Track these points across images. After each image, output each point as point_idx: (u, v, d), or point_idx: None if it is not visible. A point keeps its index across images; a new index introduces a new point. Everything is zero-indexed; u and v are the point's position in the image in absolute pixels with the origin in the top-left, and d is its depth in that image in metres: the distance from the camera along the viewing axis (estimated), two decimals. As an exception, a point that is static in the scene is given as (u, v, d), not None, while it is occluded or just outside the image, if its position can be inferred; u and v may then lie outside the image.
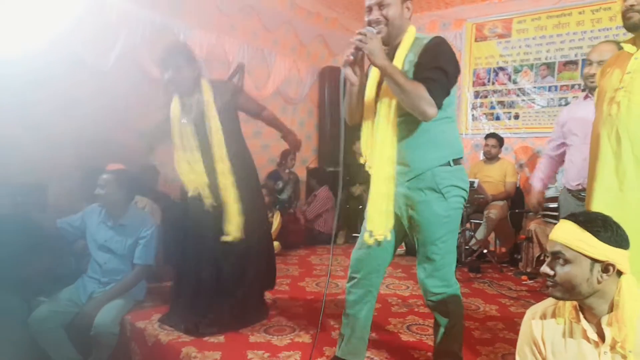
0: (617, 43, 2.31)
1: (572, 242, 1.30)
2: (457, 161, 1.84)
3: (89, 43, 3.43)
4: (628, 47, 1.66)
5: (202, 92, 2.50)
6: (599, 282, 1.30)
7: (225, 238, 2.45)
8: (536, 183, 2.81)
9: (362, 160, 1.94)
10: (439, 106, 1.70)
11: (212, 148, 2.47)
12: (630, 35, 1.69)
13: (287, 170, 5.18)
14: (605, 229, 1.30)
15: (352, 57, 1.73)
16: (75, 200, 3.22)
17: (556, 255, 1.33)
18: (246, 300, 2.63)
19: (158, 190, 4.00)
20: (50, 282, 2.75)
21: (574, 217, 1.35)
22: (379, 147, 1.81)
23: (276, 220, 4.69)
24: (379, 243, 1.85)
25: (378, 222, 1.82)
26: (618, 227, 1.32)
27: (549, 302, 1.47)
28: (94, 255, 2.73)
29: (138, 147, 3.80)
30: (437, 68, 1.70)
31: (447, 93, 1.73)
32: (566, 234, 1.32)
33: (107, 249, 2.72)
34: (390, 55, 1.80)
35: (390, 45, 1.84)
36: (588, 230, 1.29)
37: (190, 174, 2.48)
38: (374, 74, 1.89)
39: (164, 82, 2.45)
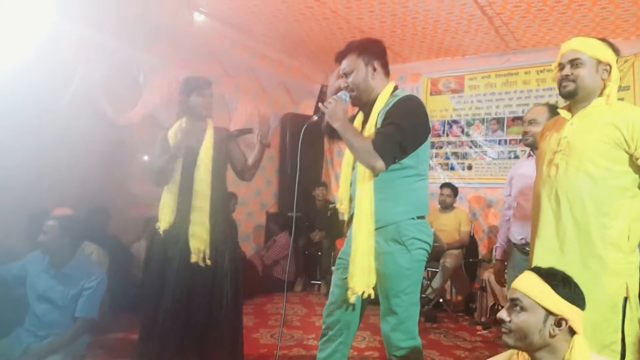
0: (550, 105, 2.50)
1: (531, 291, 1.35)
2: (421, 217, 1.88)
3: (44, 79, 3.34)
4: (564, 114, 1.79)
5: (208, 127, 2.56)
6: (551, 336, 1.33)
7: (193, 257, 2.40)
8: (497, 253, 2.88)
9: (340, 209, 2.01)
10: (389, 160, 1.74)
11: (194, 183, 2.45)
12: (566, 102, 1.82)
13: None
14: (564, 285, 1.36)
15: (315, 118, 1.94)
16: (18, 245, 3.05)
17: (514, 302, 1.37)
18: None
19: (108, 234, 3.85)
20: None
21: (537, 270, 1.42)
22: (358, 202, 1.85)
23: (233, 267, 4.57)
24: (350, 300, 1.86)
25: (360, 279, 1.81)
26: (577, 286, 1.38)
27: (502, 357, 1.49)
28: (32, 305, 2.55)
29: (88, 189, 3.70)
30: (392, 123, 1.77)
31: (401, 147, 1.76)
32: (526, 283, 1.37)
33: (46, 300, 2.54)
34: (367, 113, 1.92)
35: (367, 105, 1.94)
36: (547, 283, 1.35)
37: (165, 207, 2.46)
38: (356, 123, 2.00)
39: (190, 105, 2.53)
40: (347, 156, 1.97)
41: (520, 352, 1.42)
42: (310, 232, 5.30)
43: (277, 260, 5.16)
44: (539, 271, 1.40)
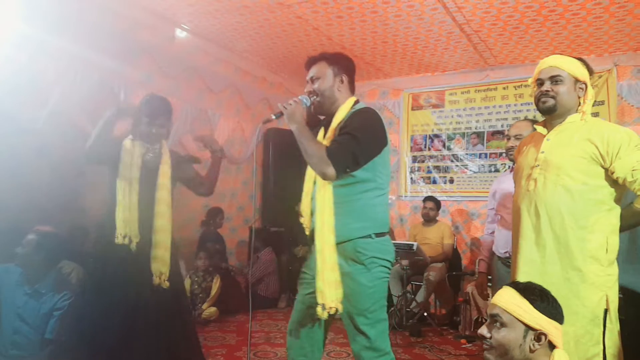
0: (532, 121, 2.54)
1: (509, 307, 1.36)
2: (381, 234, 1.85)
3: (20, 96, 3.28)
4: (540, 129, 1.83)
5: (162, 148, 2.51)
6: (531, 351, 1.34)
7: (155, 279, 2.34)
8: (480, 266, 2.89)
9: (302, 221, 1.97)
10: (341, 168, 1.74)
11: (155, 203, 2.41)
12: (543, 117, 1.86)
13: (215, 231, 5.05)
14: (542, 299, 1.38)
15: (272, 117, 1.92)
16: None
17: (494, 318, 1.38)
18: None
19: (85, 252, 3.76)
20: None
21: (515, 285, 1.43)
22: (318, 216, 1.82)
23: (215, 285, 4.51)
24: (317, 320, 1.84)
25: (330, 294, 1.78)
26: (555, 300, 1.40)
27: None
28: (5, 323, 2.47)
29: (67, 207, 3.62)
30: (347, 133, 1.78)
31: (354, 157, 1.75)
32: (505, 298, 1.38)
33: (19, 317, 2.48)
34: (327, 125, 1.92)
35: (327, 114, 1.95)
36: (526, 298, 1.37)
37: (127, 222, 2.36)
38: (319, 137, 1.97)
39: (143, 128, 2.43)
40: (309, 169, 1.93)
41: None
42: (294, 247, 5.27)
43: (261, 278, 5.11)
44: (517, 286, 1.42)
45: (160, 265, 2.37)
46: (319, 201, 1.83)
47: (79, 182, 3.78)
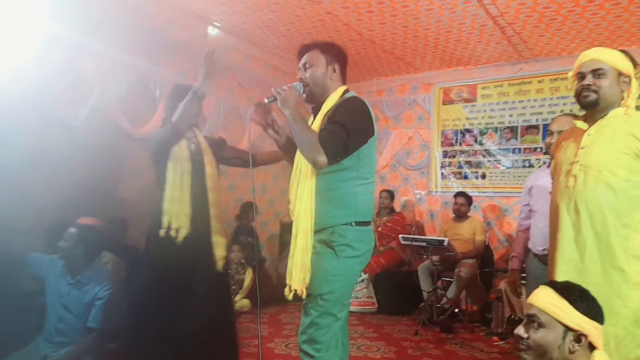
0: (574, 116, 2.47)
1: (548, 307, 1.33)
2: (362, 223, 1.83)
3: (62, 95, 3.41)
4: (581, 124, 1.78)
5: (198, 136, 2.57)
6: (570, 352, 1.31)
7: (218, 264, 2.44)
8: (513, 263, 2.84)
9: (289, 208, 1.98)
10: (332, 156, 1.75)
11: (208, 192, 2.48)
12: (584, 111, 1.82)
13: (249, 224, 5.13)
14: (582, 299, 1.34)
15: (265, 101, 1.90)
16: (40, 253, 3.10)
17: (531, 318, 1.35)
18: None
19: (125, 244, 3.90)
20: (4, 344, 2.59)
21: (553, 284, 1.39)
22: (298, 201, 1.86)
23: (248, 277, 4.60)
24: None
25: (297, 276, 1.82)
26: (594, 300, 1.37)
27: None
28: (51, 311, 2.60)
29: (106, 200, 3.75)
30: (336, 122, 1.78)
31: (345, 146, 1.75)
32: (543, 298, 1.35)
33: (63, 306, 2.59)
34: (317, 111, 1.94)
35: (318, 102, 1.96)
36: (565, 298, 1.33)
37: (176, 214, 2.40)
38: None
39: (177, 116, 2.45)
40: (298, 156, 1.93)
41: None
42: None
43: (291, 270, 5.16)
44: (555, 286, 1.38)
45: (221, 250, 2.49)
46: (300, 188, 1.87)
47: (117, 176, 3.92)
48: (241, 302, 4.46)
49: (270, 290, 4.87)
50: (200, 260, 2.45)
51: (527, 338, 1.35)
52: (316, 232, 1.84)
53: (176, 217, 2.38)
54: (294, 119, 1.78)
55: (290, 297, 1.84)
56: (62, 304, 2.58)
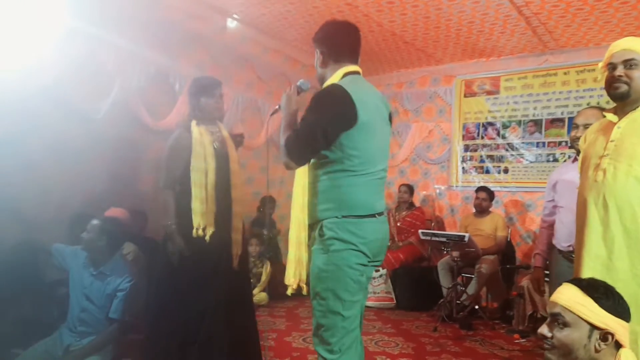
0: (601, 109, 2.38)
1: (573, 305, 1.29)
2: (353, 217, 1.73)
3: (82, 88, 3.46)
4: (610, 117, 1.71)
5: (222, 131, 2.57)
6: (596, 351, 1.27)
7: (235, 262, 2.48)
8: (536, 260, 2.76)
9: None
10: (297, 160, 1.74)
11: (232, 189, 2.49)
12: (613, 104, 1.74)
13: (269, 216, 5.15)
14: (607, 297, 1.30)
15: (277, 107, 1.96)
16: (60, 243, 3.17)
17: (555, 317, 1.31)
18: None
19: (146, 236, 3.95)
20: (28, 332, 2.65)
21: (577, 282, 1.35)
22: (294, 192, 1.87)
23: (265, 271, 4.61)
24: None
25: (290, 271, 1.84)
26: (620, 297, 1.32)
27: None
28: (74, 301, 2.64)
29: (126, 193, 3.81)
30: (301, 120, 1.74)
31: (310, 145, 1.70)
32: (567, 296, 1.31)
33: (86, 297, 2.64)
34: None
35: None
36: (590, 296, 1.29)
37: (202, 214, 2.40)
38: None
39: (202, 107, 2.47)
40: None
41: None
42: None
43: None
44: (579, 283, 1.34)
45: (237, 249, 2.50)
46: (296, 181, 1.88)
47: (137, 168, 3.96)
48: (259, 295, 4.47)
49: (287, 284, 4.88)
50: (222, 257, 2.46)
51: (552, 337, 1.31)
52: (311, 226, 1.82)
53: (203, 215, 2.37)
54: (283, 122, 1.81)
55: (288, 292, 1.86)
56: (84, 294, 2.62)
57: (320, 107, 1.71)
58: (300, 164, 1.77)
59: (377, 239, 1.79)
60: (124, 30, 3.60)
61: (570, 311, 1.29)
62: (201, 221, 2.36)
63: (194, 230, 2.35)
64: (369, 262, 1.78)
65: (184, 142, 2.43)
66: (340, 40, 1.86)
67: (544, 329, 1.34)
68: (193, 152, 2.39)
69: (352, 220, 1.72)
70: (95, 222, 2.64)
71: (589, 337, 1.27)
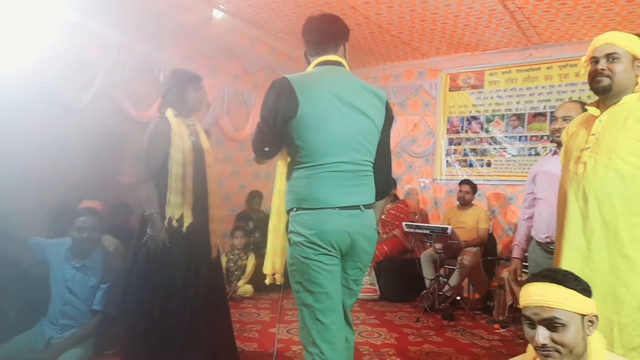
0: (581, 103, 2.43)
1: (565, 303, 1.26)
2: (304, 209, 1.70)
3: (65, 78, 3.38)
4: (592, 110, 1.74)
5: (196, 124, 2.57)
6: (587, 337, 1.28)
7: (214, 252, 2.51)
8: (515, 251, 2.81)
9: None
10: (257, 153, 1.80)
11: (207, 181, 2.51)
12: (595, 98, 1.78)
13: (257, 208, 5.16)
14: (579, 282, 1.30)
15: None
16: (41, 236, 3.11)
17: (551, 321, 1.25)
18: (221, 346, 2.55)
19: (129, 229, 3.90)
20: (7, 325, 2.61)
21: (550, 278, 1.30)
22: (275, 181, 1.87)
23: (250, 263, 4.60)
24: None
25: (267, 260, 1.86)
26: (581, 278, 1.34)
27: (520, 357, 1.46)
28: (55, 295, 2.62)
29: (109, 185, 3.75)
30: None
31: (262, 138, 1.75)
32: (554, 296, 1.26)
33: (69, 290, 2.61)
34: None
35: None
36: (571, 288, 1.28)
37: (178, 205, 2.39)
38: None
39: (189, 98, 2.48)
40: None
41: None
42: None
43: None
44: (554, 278, 1.30)
45: (216, 238, 2.53)
46: (278, 168, 1.87)
47: (120, 159, 3.90)
48: (244, 287, 4.47)
49: (272, 276, 4.89)
50: (201, 248, 2.47)
51: (554, 343, 1.26)
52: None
53: (179, 207, 2.37)
54: None
55: (266, 281, 1.86)
56: (67, 287, 2.60)
57: (265, 100, 1.75)
58: (260, 156, 1.80)
59: (334, 230, 1.68)
60: (109, 20, 3.53)
61: (564, 310, 1.25)
62: (175, 212, 2.36)
63: (166, 221, 2.35)
64: (331, 251, 1.69)
65: (163, 132, 2.40)
66: (316, 33, 1.85)
67: (540, 339, 1.26)
68: (172, 145, 2.37)
69: (306, 213, 1.69)
70: (83, 218, 2.60)
71: (583, 327, 1.27)
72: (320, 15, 1.89)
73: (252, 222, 5.06)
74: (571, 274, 1.34)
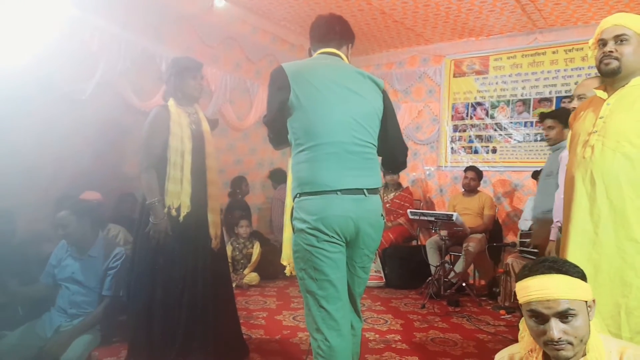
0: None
1: (575, 293, 1.23)
2: (305, 194, 1.70)
3: (67, 69, 3.37)
4: (600, 93, 1.71)
5: (199, 113, 2.56)
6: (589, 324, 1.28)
7: (213, 242, 2.50)
8: (552, 233, 2.72)
9: None
10: (270, 139, 1.90)
11: (207, 171, 2.49)
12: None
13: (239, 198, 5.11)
14: (576, 268, 1.29)
15: None
16: (46, 227, 3.13)
17: (564, 314, 1.22)
18: (227, 334, 2.56)
19: (135, 217, 3.92)
20: (16, 316, 2.63)
21: (555, 269, 1.26)
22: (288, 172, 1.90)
23: (256, 251, 4.63)
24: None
25: (284, 250, 1.90)
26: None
27: (516, 347, 1.45)
28: (64, 287, 2.63)
29: (115, 175, 3.76)
30: None
31: (266, 123, 1.82)
32: (565, 288, 1.23)
33: (75, 281, 2.62)
34: None
35: None
36: (575, 276, 1.26)
37: (176, 194, 2.38)
38: None
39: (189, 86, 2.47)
40: None
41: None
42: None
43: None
44: (560, 270, 1.26)
45: (215, 229, 2.51)
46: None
47: (123, 149, 3.91)
48: (250, 276, 4.50)
49: (278, 264, 4.90)
50: (199, 238, 2.46)
51: (568, 334, 1.22)
52: None
53: (177, 196, 2.37)
54: None
55: (286, 272, 1.89)
56: (74, 279, 2.61)
57: (269, 87, 1.82)
58: (273, 142, 1.90)
59: (337, 216, 1.65)
60: (109, 10, 3.51)
61: (576, 300, 1.23)
62: (174, 201, 2.35)
63: (165, 209, 2.34)
64: (334, 238, 1.68)
65: (163, 120, 2.39)
66: (321, 29, 1.96)
67: (556, 332, 1.21)
68: (171, 133, 2.37)
69: (308, 198, 1.69)
70: (63, 213, 2.54)
71: (588, 313, 1.26)
72: (329, 14, 1.99)
73: (244, 212, 5.02)
74: (567, 261, 1.32)
